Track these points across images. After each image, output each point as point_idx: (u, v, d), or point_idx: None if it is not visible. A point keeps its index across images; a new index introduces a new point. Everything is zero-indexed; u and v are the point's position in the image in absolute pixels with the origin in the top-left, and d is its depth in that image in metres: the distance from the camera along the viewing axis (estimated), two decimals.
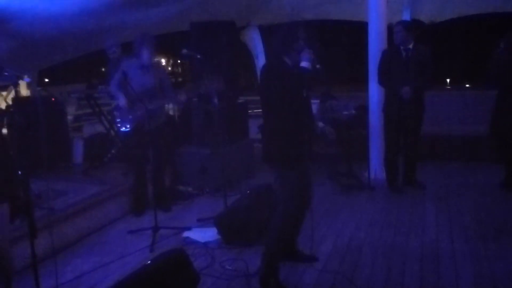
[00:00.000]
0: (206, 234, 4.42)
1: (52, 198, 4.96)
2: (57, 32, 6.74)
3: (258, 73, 6.59)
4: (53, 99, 6.72)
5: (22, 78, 3.33)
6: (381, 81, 5.60)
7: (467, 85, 14.37)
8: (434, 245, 4.10)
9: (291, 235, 3.66)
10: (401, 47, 5.38)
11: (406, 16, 7.71)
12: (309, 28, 3.44)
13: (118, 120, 5.26)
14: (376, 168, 6.06)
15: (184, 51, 4.93)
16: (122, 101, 5.07)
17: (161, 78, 5.18)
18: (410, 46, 5.36)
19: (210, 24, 6.29)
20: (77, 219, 4.71)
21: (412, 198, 5.43)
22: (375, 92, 6.01)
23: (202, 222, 4.86)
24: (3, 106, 6.02)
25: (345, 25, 8.97)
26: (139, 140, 5.19)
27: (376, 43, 5.89)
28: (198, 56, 5.03)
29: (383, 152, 5.91)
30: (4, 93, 10.42)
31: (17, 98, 6.63)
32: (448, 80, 16.83)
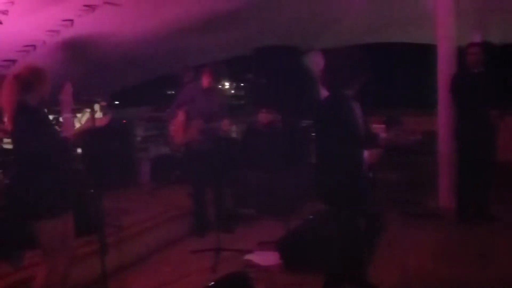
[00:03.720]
0: (268, 258, 4.39)
1: (120, 216, 5.12)
2: (128, 57, 7.06)
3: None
4: (124, 121, 6.99)
5: (98, 102, 3.47)
6: (459, 105, 5.38)
7: None
8: (506, 281, 3.84)
9: (359, 263, 3.52)
10: (475, 70, 5.18)
11: (477, 38, 7.45)
12: (367, 52, 3.35)
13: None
14: (445, 196, 5.81)
15: (249, 75, 5.02)
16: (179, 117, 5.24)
17: (220, 102, 5.30)
18: (483, 68, 5.16)
19: (273, 48, 6.36)
20: (142, 237, 4.83)
21: (484, 230, 5.13)
22: (445, 116, 5.80)
23: (264, 246, 4.83)
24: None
25: (411, 47, 8.77)
26: (195, 160, 5.28)
27: (445, 66, 5.71)
28: (261, 80, 5.10)
29: (453, 180, 5.65)
30: (79, 115, 10.90)
31: (93, 120, 6.99)
32: None
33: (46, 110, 3.41)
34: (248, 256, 4.54)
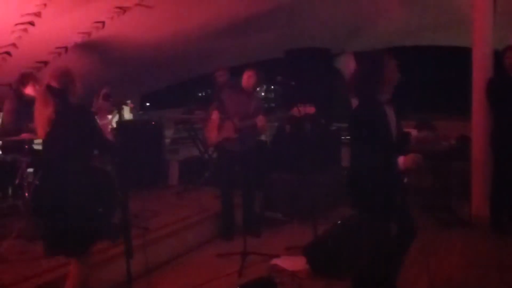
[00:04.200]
0: (295, 263, 4.33)
1: (147, 218, 5.14)
2: (160, 59, 7.11)
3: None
4: (153, 122, 7.04)
5: (126, 104, 3.52)
6: (496, 110, 5.22)
7: None
8: None
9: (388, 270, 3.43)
10: None
11: None
12: (401, 55, 3.27)
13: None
14: (478, 204, 5.63)
15: (279, 78, 4.97)
16: (214, 115, 5.22)
17: (256, 105, 5.27)
18: None
19: (304, 51, 6.31)
20: (170, 240, 4.83)
21: None
22: (479, 121, 5.62)
23: (291, 250, 4.77)
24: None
25: (447, 51, 8.57)
26: (227, 161, 5.26)
27: (481, 70, 5.54)
28: (292, 83, 5.05)
29: (487, 187, 5.48)
30: (110, 117, 11.04)
31: (120, 122, 7.07)
32: None
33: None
34: (275, 261, 4.48)
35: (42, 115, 3.12)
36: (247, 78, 5.14)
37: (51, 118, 3.09)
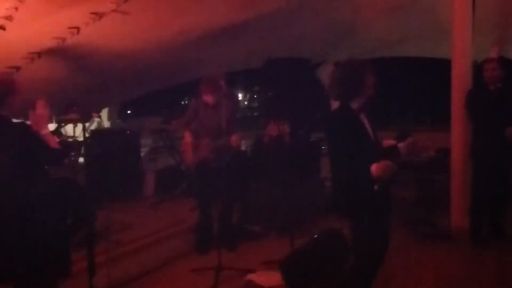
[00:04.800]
0: (270, 279, 4.19)
1: (119, 230, 4.97)
2: (137, 67, 6.96)
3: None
4: (127, 131, 6.88)
5: (92, 115, 3.36)
6: (475, 122, 5.18)
7: None
8: None
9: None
10: (491, 86, 4.98)
11: (494, 53, 7.25)
12: (381, 66, 3.23)
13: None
14: (458, 217, 5.57)
15: (256, 88, 4.87)
16: (186, 138, 5.09)
17: (228, 115, 5.14)
18: (499, 85, 4.96)
19: (284, 60, 6.23)
20: (142, 253, 4.67)
21: (498, 252, 4.88)
22: (459, 133, 5.59)
23: (268, 265, 4.64)
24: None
25: (428, 62, 8.60)
26: (205, 176, 5.11)
27: (460, 82, 5.52)
28: (271, 93, 4.95)
29: (466, 199, 5.42)
30: (87, 124, 10.85)
31: (95, 130, 6.95)
32: None
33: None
34: (250, 276, 4.35)
35: None
36: (207, 91, 5.00)
37: None
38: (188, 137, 5.07)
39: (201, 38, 6.48)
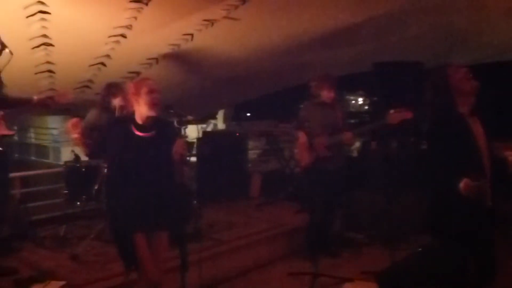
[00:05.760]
0: None
1: (222, 229, 5.14)
2: (247, 71, 7.15)
3: None
4: (237, 133, 7.09)
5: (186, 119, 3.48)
6: None
7: None
8: None
9: None
10: None
11: None
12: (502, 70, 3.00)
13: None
14: None
15: (362, 92, 4.75)
16: (301, 138, 4.93)
17: (342, 114, 5.07)
18: None
19: (394, 64, 6.00)
20: (242, 253, 4.78)
21: None
22: None
23: (367, 276, 4.50)
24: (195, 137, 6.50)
25: None
26: (321, 178, 4.92)
27: None
28: (380, 98, 4.78)
29: None
30: (203, 125, 11.37)
31: (206, 132, 7.30)
32: None
33: None
34: (347, 285, 4.26)
35: None
36: (327, 91, 4.91)
37: None
38: (303, 137, 4.90)
39: (309, 42, 6.48)
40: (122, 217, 3.04)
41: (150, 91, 3.03)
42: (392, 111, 4.49)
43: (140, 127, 3.07)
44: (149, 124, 3.08)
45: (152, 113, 3.03)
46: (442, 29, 6.47)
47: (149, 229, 3.07)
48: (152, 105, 3.02)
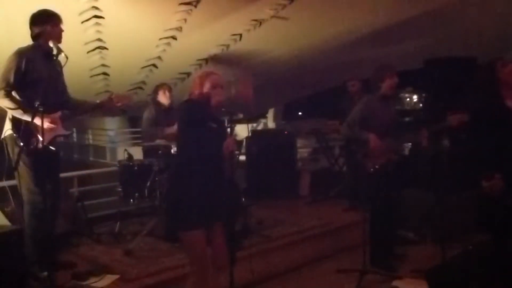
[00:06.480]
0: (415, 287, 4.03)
1: (271, 226, 5.20)
2: (296, 70, 7.19)
3: None
4: (286, 132, 7.14)
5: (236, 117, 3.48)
6: None
7: None
8: None
9: None
10: None
11: None
12: None
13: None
14: None
15: (409, 88, 4.67)
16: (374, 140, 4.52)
17: (395, 114, 4.86)
18: None
19: (446, 60, 5.86)
20: (291, 250, 4.82)
21: None
22: None
23: (417, 274, 4.44)
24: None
25: None
26: (379, 181, 4.63)
27: None
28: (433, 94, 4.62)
29: None
30: (254, 124, 11.49)
31: (255, 130, 7.39)
32: None
33: None
34: (396, 283, 4.23)
35: None
36: (387, 86, 4.54)
37: None
38: (375, 140, 4.48)
39: (359, 40, 6.44)
40: (188, 208, 3.00)
41: (217, 85, 3.07)
42: (451, 115, 4.28)
43: (213, 119, 3.09)
44: (216, 117, 3.13)
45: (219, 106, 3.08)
46: (496, 23, 6.27)
47: (212, 219, 3.08)
48: (220, 98, 3.04)
